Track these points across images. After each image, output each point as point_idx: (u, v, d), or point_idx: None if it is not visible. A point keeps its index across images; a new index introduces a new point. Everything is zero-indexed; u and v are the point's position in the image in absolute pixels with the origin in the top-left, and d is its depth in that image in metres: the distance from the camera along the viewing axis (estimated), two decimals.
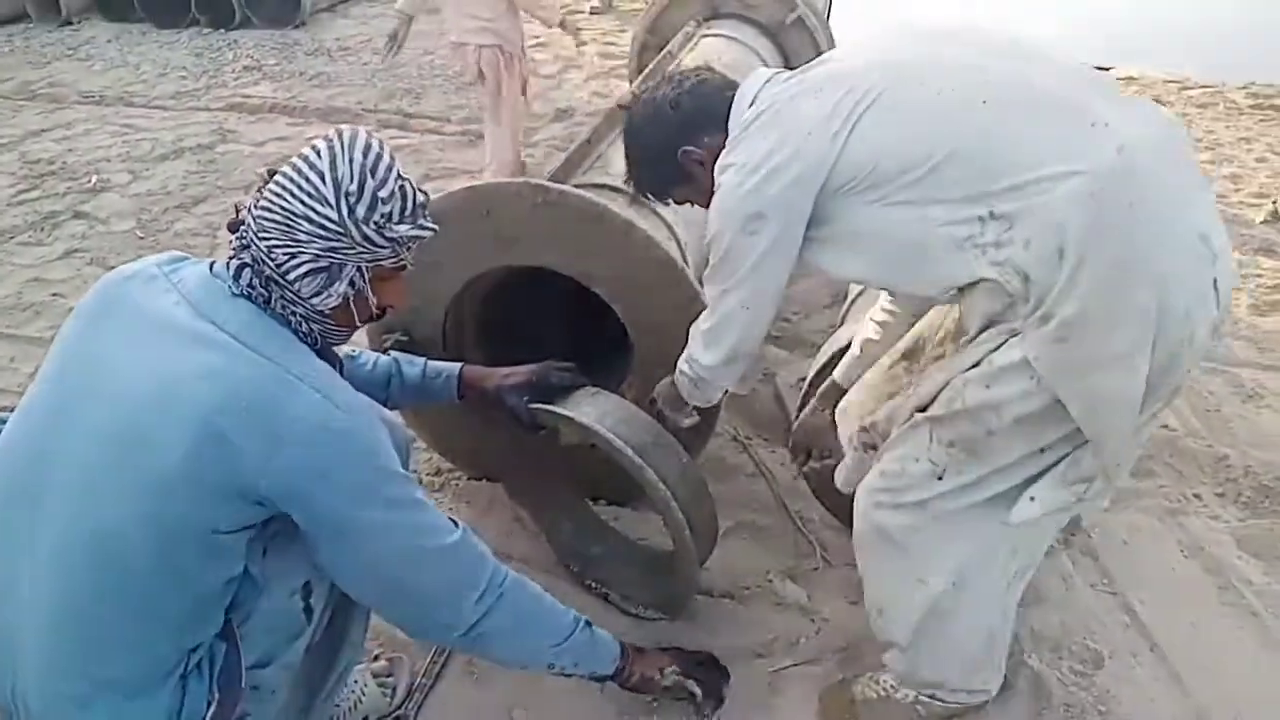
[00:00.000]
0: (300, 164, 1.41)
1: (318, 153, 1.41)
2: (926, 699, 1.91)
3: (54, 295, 3.71)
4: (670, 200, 1.93)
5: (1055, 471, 1.56)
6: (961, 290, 1.56)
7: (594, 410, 2.05)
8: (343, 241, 1.40)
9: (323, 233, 1.39)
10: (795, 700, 2.05)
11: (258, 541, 1.46)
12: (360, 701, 1.94)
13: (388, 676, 2.05)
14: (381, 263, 1.46)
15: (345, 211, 1.39)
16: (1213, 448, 2.91)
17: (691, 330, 1.90)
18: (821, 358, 2.33)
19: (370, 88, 6.07)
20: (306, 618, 1.58)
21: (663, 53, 4.20)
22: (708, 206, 1.77)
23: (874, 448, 1.83)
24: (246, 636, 1.52)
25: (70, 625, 1.37)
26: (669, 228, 2.67)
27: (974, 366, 1.55)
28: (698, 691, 1.90)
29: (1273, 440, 2.96)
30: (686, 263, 2.49)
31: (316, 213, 1.39)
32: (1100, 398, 1.44)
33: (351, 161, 1.40)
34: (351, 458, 1.39)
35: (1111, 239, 1.38)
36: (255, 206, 1.42)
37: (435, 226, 1.51)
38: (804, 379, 2.52)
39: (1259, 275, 4.12)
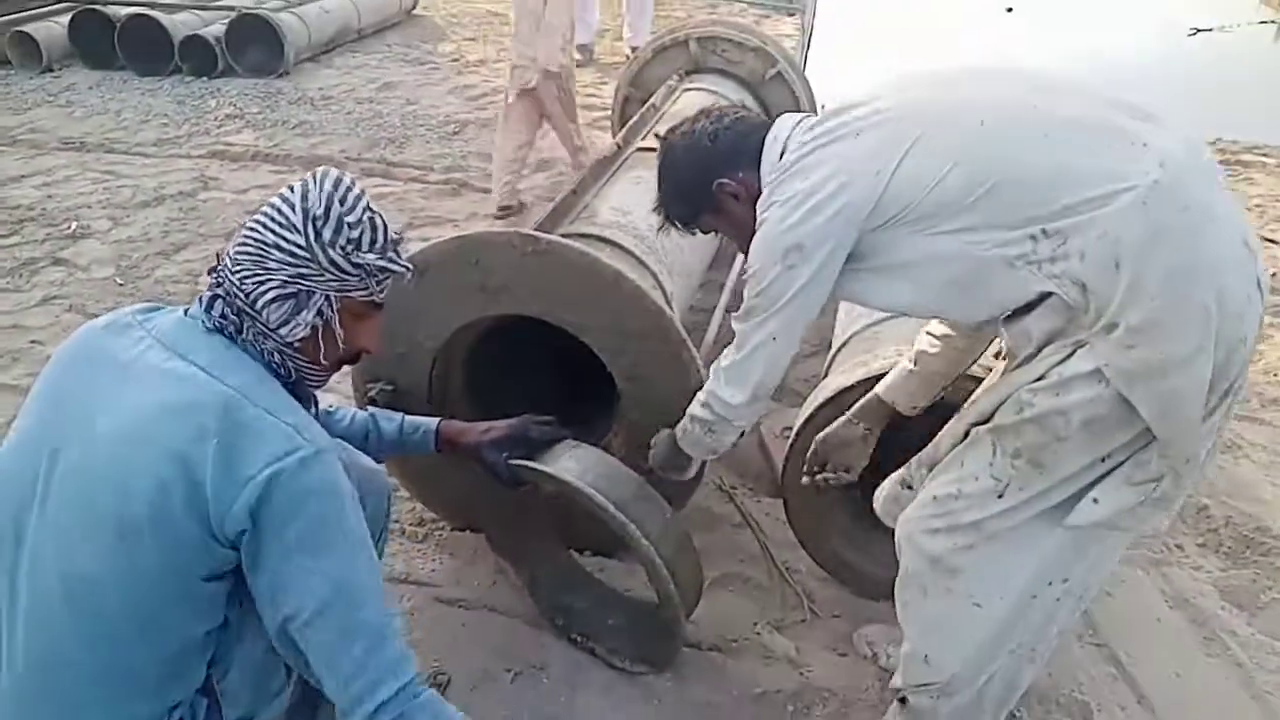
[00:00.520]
0: (275, 199, 1.45)
1: (292, 189, 1.45)
2: None
3: (32, 342, 3.67)
4: (697, 230, 1.96)
5: (1118, 473, 1.57)
6: (1015, 314, 1.59)
7: (575, 465, 2.04)
8: (309, 267, 1.42)
9: (290, 259, 1.41)
10: None
11: (236, 593, 1.44)
12: None
13: None
14: (349, 293, 1.47)
15: (311, 235, 1.41)
16: (1193, 498, 2.93)
17: (712, 369, 1.91)
18: (809, 407, 2.33)
19: (353, 136, 6.10)
20: (287, 674, 1.56)
21: (645, 105, 4.26)
22: (734, 237, 1.88)
23: (910, 487, 1.85)
24: (227, 692, 1.49)
25: (46, 682, 1.35)
26: (655, 278, 2.68)
27: (1039, 379, 1.57)
28: None
29: (1252, 490, 2.99)
30: (674, 313, 2.50)
31: (286, 240, 1.41)
32: (1171, 398, 1.47)
33: (321, 190, 1.44)
34: (311, 491, 1.37)
35: (1167, 245, 1.43)
36: (233, 246, 1.45)
37: (409, 265, 1.53)
38: (789, 428, 2.52)
39: None
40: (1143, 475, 1.55)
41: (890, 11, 12.09)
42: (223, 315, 1.44)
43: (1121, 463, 1.57)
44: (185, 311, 1.49)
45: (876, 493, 2.02)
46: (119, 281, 4.19)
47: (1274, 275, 4.30)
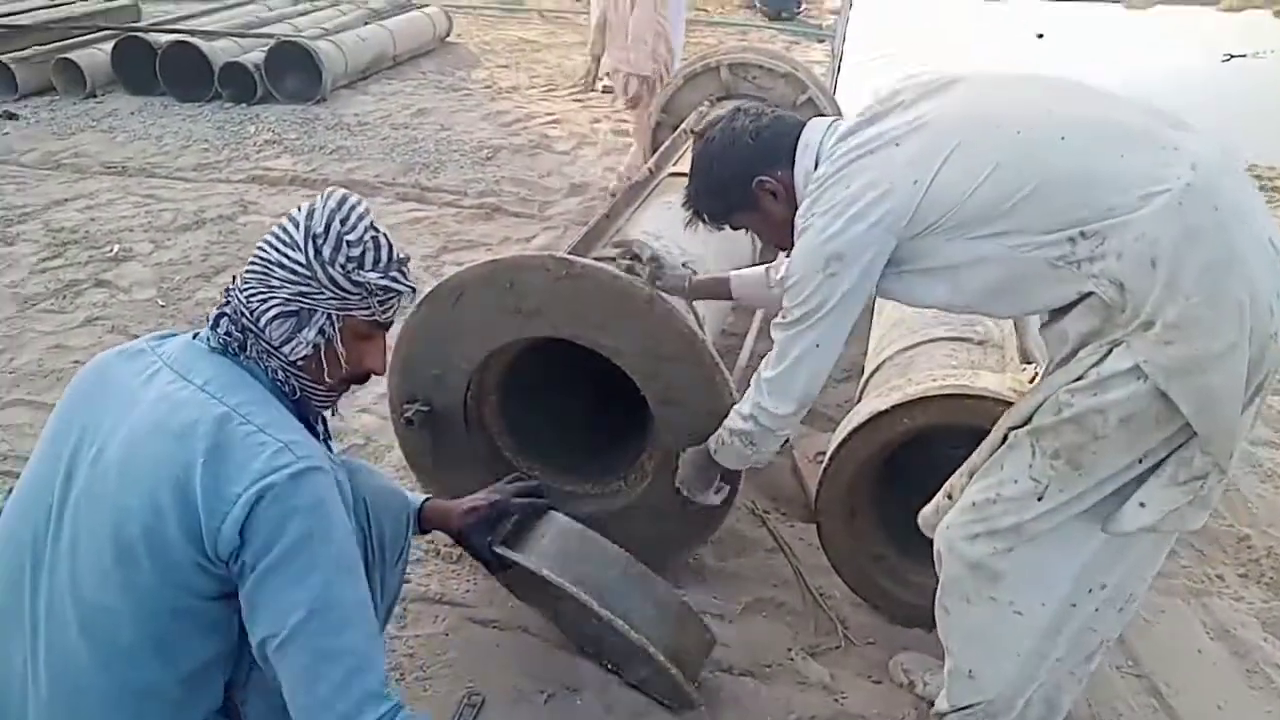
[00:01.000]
0: (283, 220, 1.48)
1: (299, 209, 1.48)
2: None
3: (75, 362, 3.73)
4: (728, 225, 1.98)
5: (1162, 475, 1.57)
6: (1053, 316, 1.63)
7: (554, 547, 1.97)
8: (311, 285, 1.44)
9: (293, 277, 1.44)
10: None
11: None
12: None
13: None
14: (351, 312, 1.49)
15: (312, 253, 1.44)
16: (1234, 527, 2.89)
17: (754, 381, 1.92)
18: (842, 432, 2.33)
19: (389, 161, 6.18)
20: None
21: (677, 131, 4.29)
22: (766, 235, 1.95)
23: (950, 496, 1.85)
24: (250, 717, 1.50)
25: (69, 707, 1.36)
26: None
27: (1077, 380, 1.58)
28: None
29: None
30: (706, 336, 2.51)
31: (288, 258, 1.44)
32: (1209, 394, 1.49)
33: (325, 210, 1.46)
34: (297, 508, 1.35)
35: (1203, 243, 1.46)
36: (245, 267, 1.48)
37: (413, 285, 1.55)
38: (822, 453, 2.51)
39: None
40: (1187, 474, 1.56)
41: (920, 37, 12.10)
42: (227, 333, 1.46)
43: (1159, 463, 1.58)
44: (195, 335, 1.51)
45: (923, 510, 2.01)
46: (160, 303, 4.26)
47: None
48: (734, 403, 2.05)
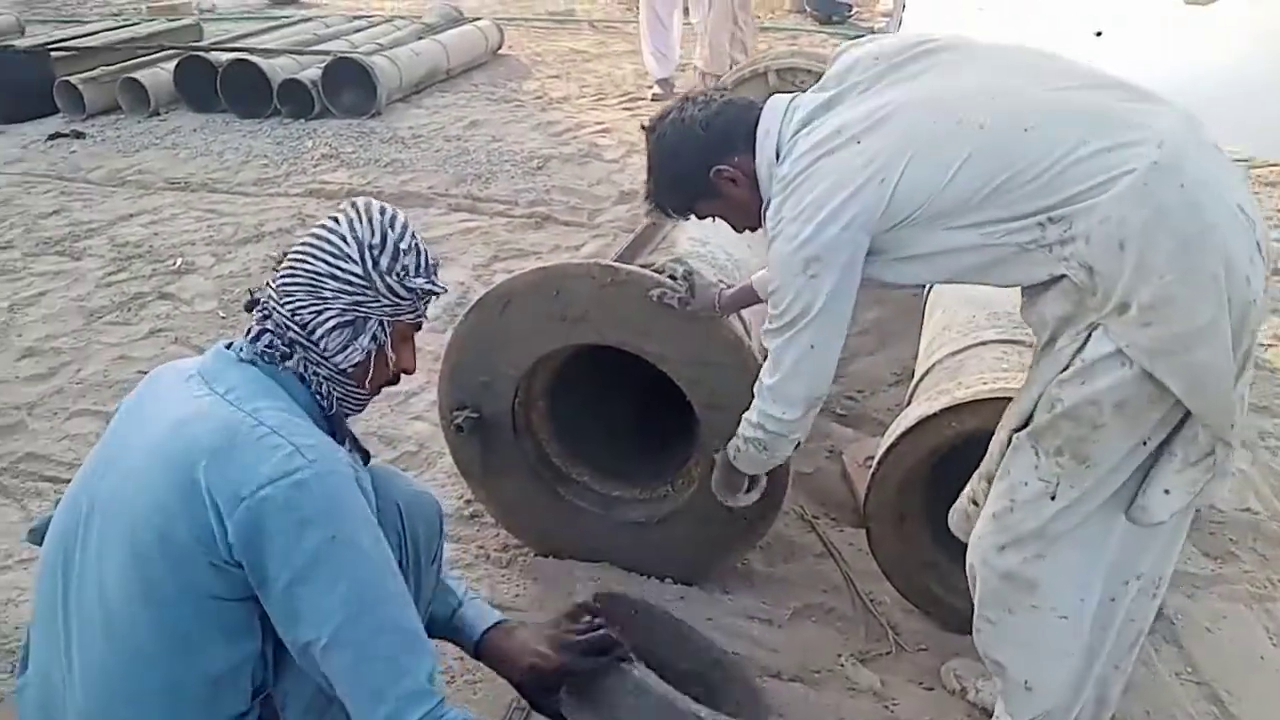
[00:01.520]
0: (320, 231, 1.50)
1: (335, 220, 1.51)
2: None
3: (139, 373, 3.83)
4: (694, 215, 1.99)
5: (1174, 459, 1.57)
6: (1030, 292, 1.65)
7: (628, 714, 1.71)
8: (368, 295, 1.47)
9: (348, 287, 1.47)
10: None
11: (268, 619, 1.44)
12: None
13: None
14: (401, 317, 1.53)
15: (370, 264, 1.47)
16: None
17: (755, 389, 1.93)
18: (890, 436, 2.32)
19: (441, 173, 6.26)
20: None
21: None
22: (733, 220, 1.95)
23: (976, 502, 1.85)
24: (289, 711, 1.52)
25: (102, 707, 1.40)
26: None
27: (1064, 370, 1.59)
28: None
29: None
30: (752, 342, 2.51)
31: (341, 269, 1.46)
32: (1198, 370, 1.49)
33: (371, 220, 1.49)
34: (312, 516, 1.35)
35: (1172, 221, 1.46)
36: (275, 281, 1.50)
37: (445, 286, 1.59)
38: (871, 457, 2.50)
39: None
40: (1197, 453, 1.56)
41: (973, 37, 11.96)
42: (269, 345, 1.48)
43: (1163, 444, 1.58)
44: (228, 345, 1.54)
45: (951, 510, 2.00)
46: (221, 315, 4.37)
47: None
48: None
